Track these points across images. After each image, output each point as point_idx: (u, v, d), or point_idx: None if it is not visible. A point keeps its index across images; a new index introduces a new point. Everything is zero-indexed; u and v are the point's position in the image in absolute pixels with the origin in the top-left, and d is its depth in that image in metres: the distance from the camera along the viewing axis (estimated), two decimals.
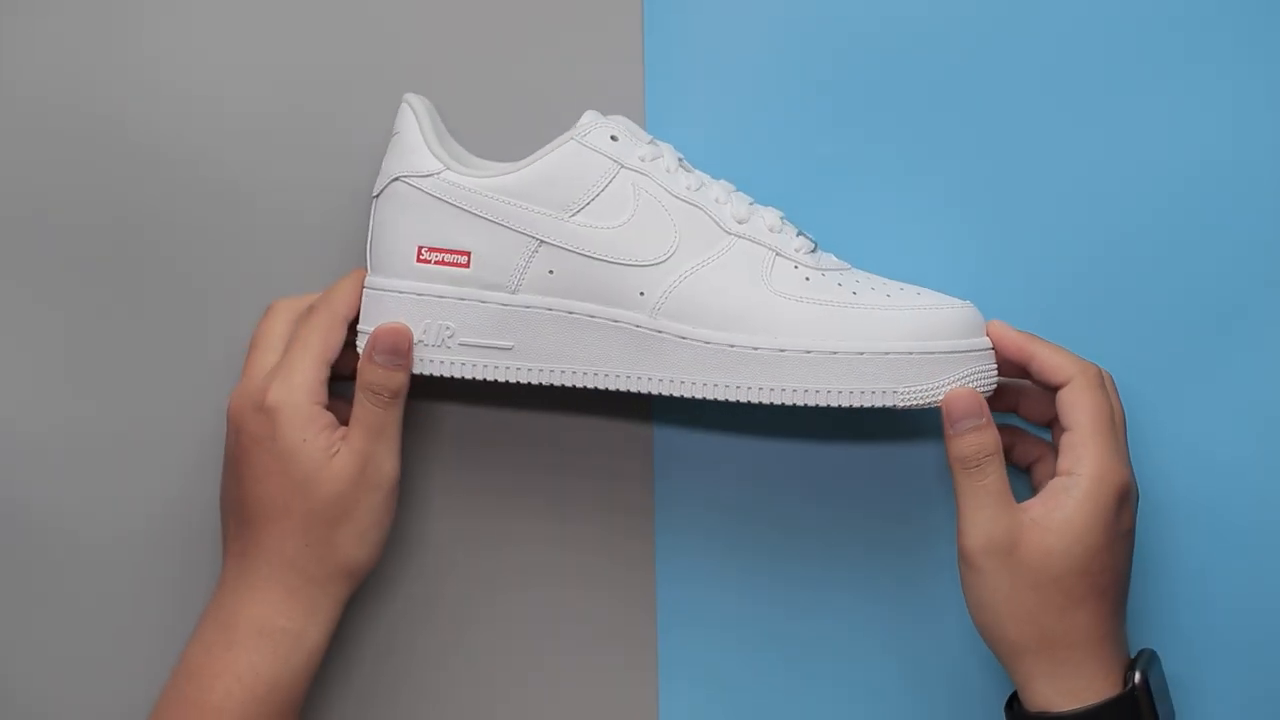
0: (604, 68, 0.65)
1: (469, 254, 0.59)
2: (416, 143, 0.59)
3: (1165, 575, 0.64)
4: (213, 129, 0.65)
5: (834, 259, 0.60)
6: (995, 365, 0.58)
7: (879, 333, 0.57)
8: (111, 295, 0.66)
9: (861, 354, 0.57)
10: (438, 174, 0.59)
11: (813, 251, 0.59)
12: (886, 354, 0.57)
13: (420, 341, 0.59)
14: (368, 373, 0.57)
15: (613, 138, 0.58)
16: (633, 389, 0.58)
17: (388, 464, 0.58)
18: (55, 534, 0.66)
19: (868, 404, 0.56)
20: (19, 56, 0.65)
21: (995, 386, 0.58)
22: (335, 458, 0.56)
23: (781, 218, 0.60)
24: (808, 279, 0.58)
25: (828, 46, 0.64)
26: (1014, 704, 0.57)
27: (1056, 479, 0.56)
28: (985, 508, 0.55)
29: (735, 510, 0.65)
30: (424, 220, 0.59)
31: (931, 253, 0.64)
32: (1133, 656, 0.57)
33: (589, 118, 0.59)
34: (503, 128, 0.64)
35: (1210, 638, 0.64)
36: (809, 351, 0.57)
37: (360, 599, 0.62)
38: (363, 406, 0.57)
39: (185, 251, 0.66)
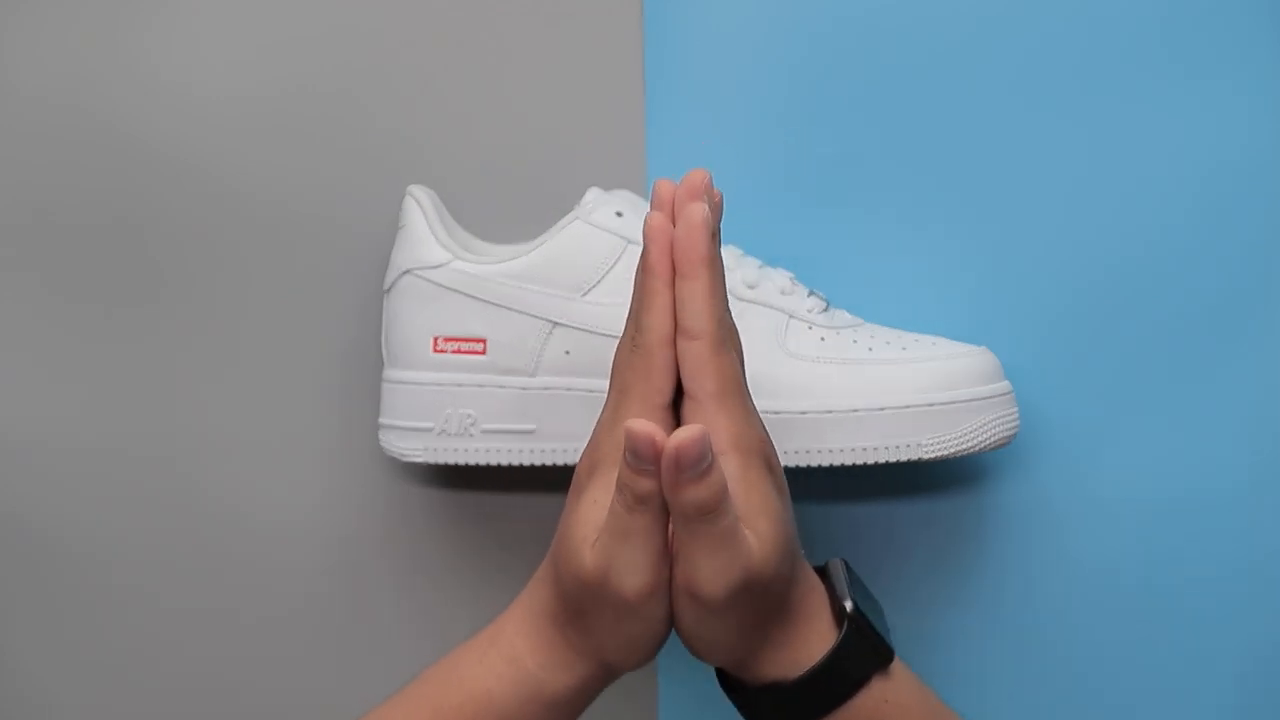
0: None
1: (484, 340, 0.59)
2: (423, 234, 0.59)
3: (1162, 577, 0.64)
4: (215, 130, 0.66)
5: (847, 315, 0.60)
6: (1016, 409, 0.59)
7: (899, 387, 0.57)
8: (113, 296, 0.66)
9: (883, 410, 0.57)
10: (447, 264, 0.59)
11: (825, 310, 0.59)
12: (908, 407, 0.57)
13: (444, 431, 0.59)
14: (620, 467, 0.47)
15: (618, 213, 0.59)
16: None
17: (630, 578, 0.47)
18: (55, 536, 0.66)
19: (895, 459, 0.57)
20: (20, 56, 0.66)
21: (1017, 430, 0.59)
22: (590, 547, 0.48)
23: (792, 279, 0.60)
24: (823, 339, 0.58)
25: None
26: (729, 679, 0.53)
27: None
28: (723, 550, 0.47)
29: None
30: (437, 310, 0.59)
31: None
32: (820, 572, 0.53)
33: (592, 195, 0.59)
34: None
35: (1208, 638, 0.64)
36: (830, 412, 0.57)
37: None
38: (614, 501, 0.48)
39: (186, 253, 0.66)
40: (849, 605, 0.51)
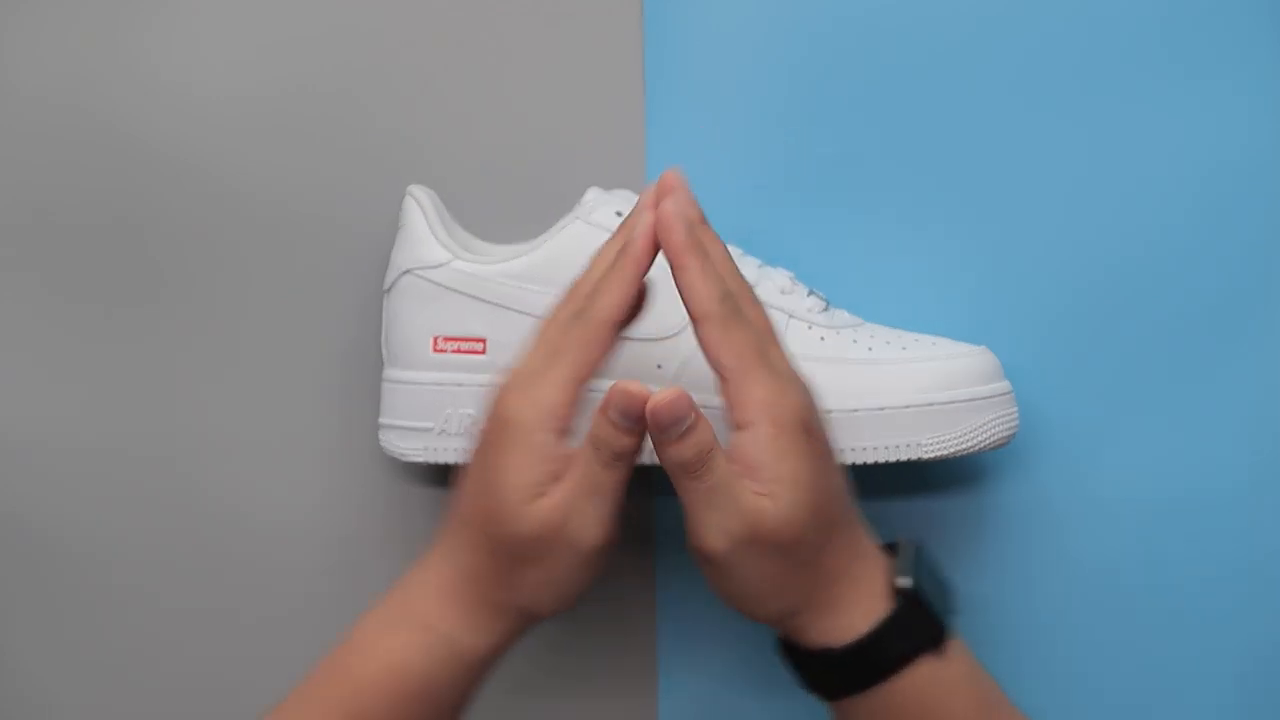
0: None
1: (484, 340, 0.59)
2: (423, 234, 0.59)
3: (1162, 577, 0.64)
4: (215, 130, 0.66)
5: (846, 315, 0.60)
6: (1015, 409, 0.59)
7: (899, 386, 0.57)
8: (113, 296, 0.66)
9: (883, 410, 0.57)
10: (447, 264, 0.59)
11: (825, 310, 0.59)
12: (908, 407, 0.57)
13: (444, 431, 0.59)
14: (598, 426, 0.49)
15: (618, 213, 0.59)
16: (657, 463, 0.58)
17: (592, 529, 0.50)
18: (55, 536, 0.66)
19: (894, 459, 0.57)
20: (20, 56, 0.66)
21: (1017, 430, 0.59)
22: (538, 501, 0.50)
23: (791, 278, 0.60)
24: (822, 339, 0.58)
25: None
26: (787, 642, 0.54)
27: (739, 436, 0.49)
28: (718, 507, 0.49)
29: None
30: (437, 310, 0.59)
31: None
32: (887, 549, 0.54)
33: (592, 195, 0.59)
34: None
35: (1208, 638, 0.64)
36: (829, 412, 0.57)
37: None
38: (585, 458, 0.50)
39: (186, 253, 0.66)
40: (901, 581, 0.52)
